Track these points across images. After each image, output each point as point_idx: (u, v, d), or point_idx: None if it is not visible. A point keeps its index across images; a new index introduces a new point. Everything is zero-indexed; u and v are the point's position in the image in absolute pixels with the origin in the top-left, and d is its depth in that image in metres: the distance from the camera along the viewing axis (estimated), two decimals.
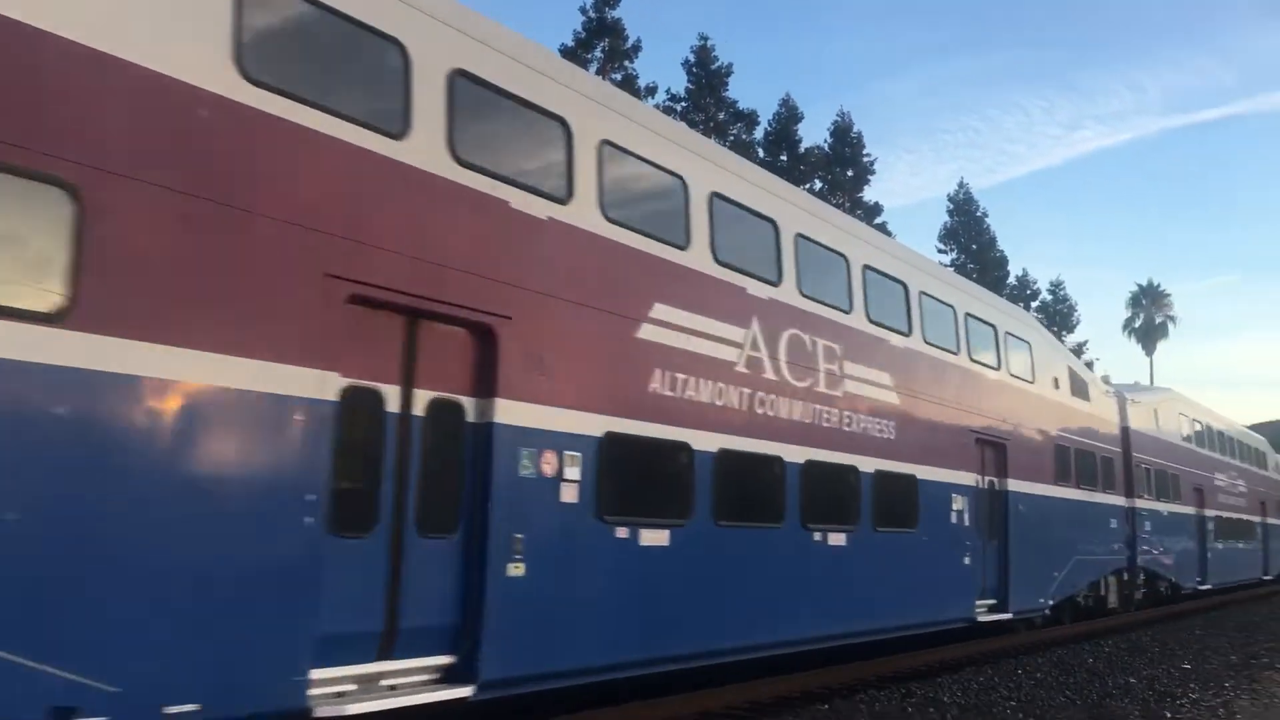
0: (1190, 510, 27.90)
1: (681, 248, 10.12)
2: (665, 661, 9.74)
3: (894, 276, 14.15)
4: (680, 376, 9.80)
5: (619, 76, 44.93)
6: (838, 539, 12.02)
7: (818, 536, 11.72)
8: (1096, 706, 11.61)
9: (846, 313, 12.80)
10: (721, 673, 11.42)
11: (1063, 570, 18.65)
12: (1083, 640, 17.85)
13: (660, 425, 9.50)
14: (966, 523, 14.97)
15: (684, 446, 9.75)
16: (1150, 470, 24.47)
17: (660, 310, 9.65)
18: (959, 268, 65.14)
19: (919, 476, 13.85)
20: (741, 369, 10.60)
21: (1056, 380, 19.44)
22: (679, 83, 52.19)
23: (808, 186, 53.24)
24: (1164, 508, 25.32)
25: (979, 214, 66.43)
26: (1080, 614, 20.63)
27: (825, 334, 12.21)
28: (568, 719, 8.86)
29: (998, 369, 16.77)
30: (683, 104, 49.09)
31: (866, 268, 13.38)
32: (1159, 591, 25.55)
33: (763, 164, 51.83)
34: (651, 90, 46.38)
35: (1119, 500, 22.02)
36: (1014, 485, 16.64)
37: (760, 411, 10.85)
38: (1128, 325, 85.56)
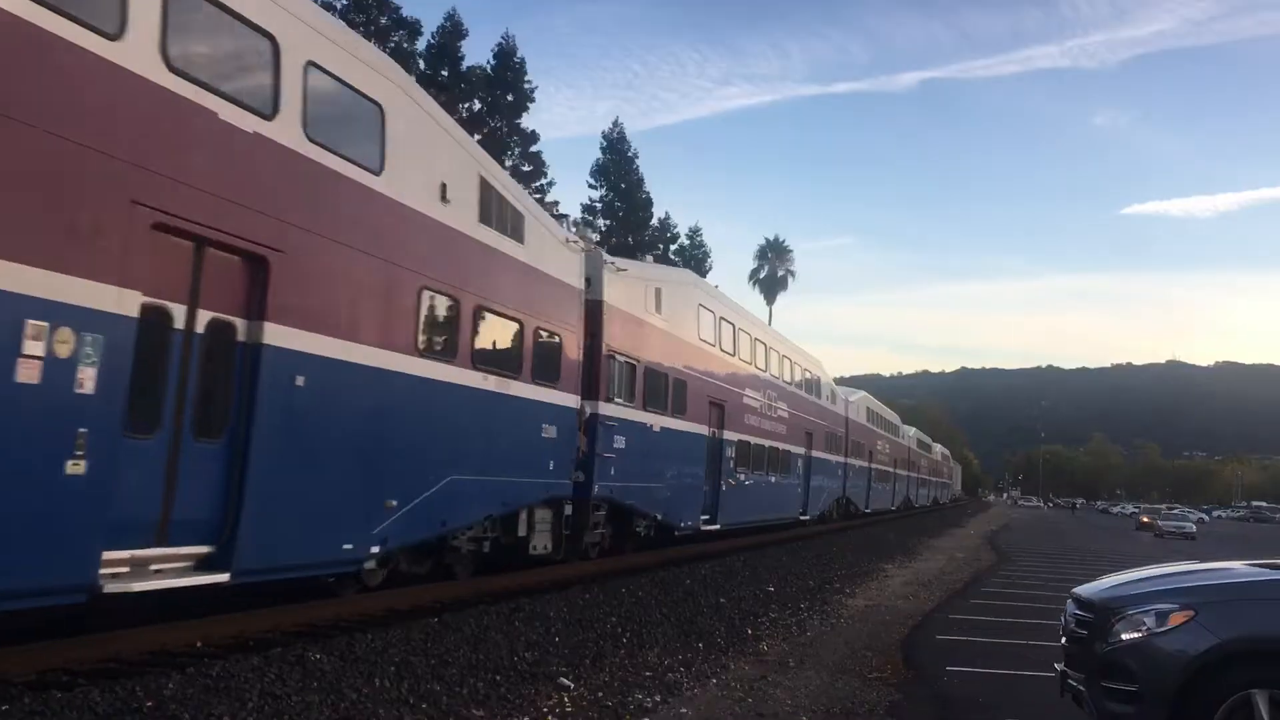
0: (701, 430, 22.73)
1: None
2: None
3: None
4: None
5: None
6: None
7: None
8: (688, 623, 12.45)
9: None
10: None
11: (414, 497, 11.79)
12: (675, 565, 19.05)
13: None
14: (86, 389, 7.45)
15: None
16: (635, 367, 18.93)
17: None
18: (607, 205, 67.02)
19: None
20: None
21: (445, 188, 12.38)
22: None
23: (467, 107, 52.55)
24: (655, 421, 19.84)
25: (630, 154, 68.53)
26: (482, 564, 14.51)
27: None
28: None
29: (269, 116, 9.44)
30: (343, 3, 46.73)
31: None
32: (635, 532, 19.86)
33: (422, 77, 50.83)
34: None
35: (567, 400, 15.92)
36: (284, 336, 9.59)
37: None
38: (753, 276, 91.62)
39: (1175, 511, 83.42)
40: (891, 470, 59.18)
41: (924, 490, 79.58)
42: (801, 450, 32.94)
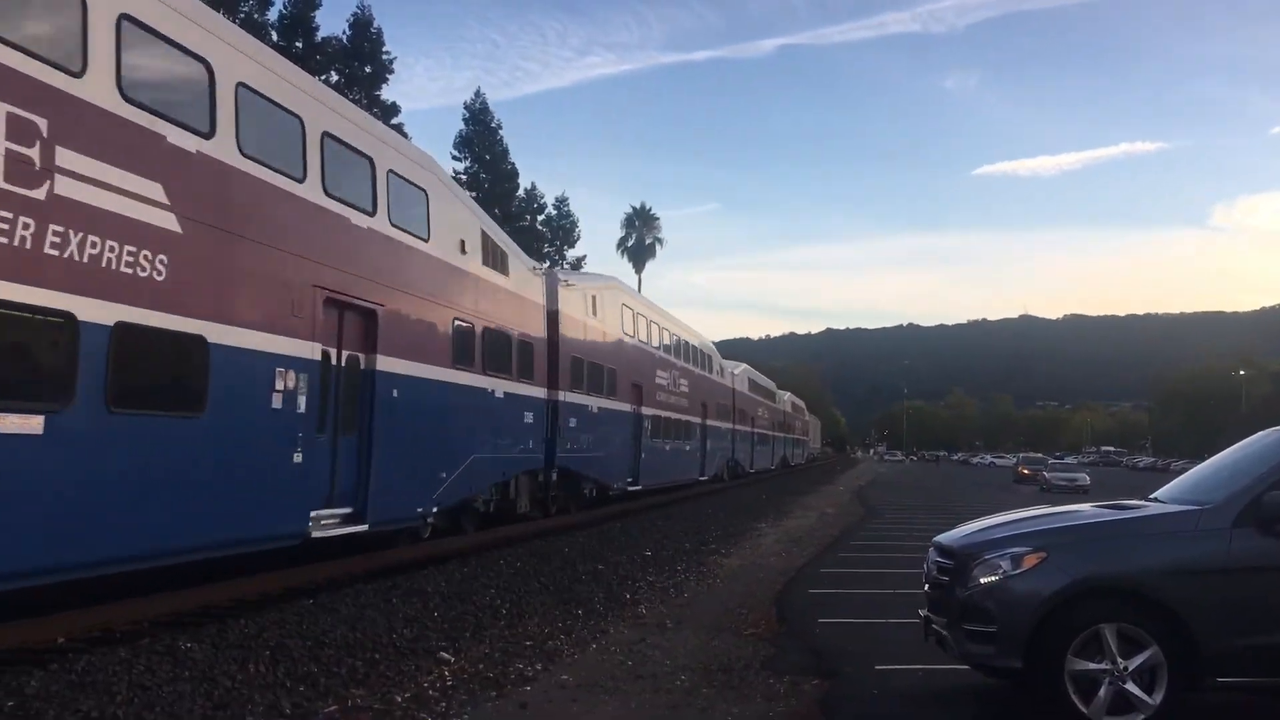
0: (626, 408, 27.37)
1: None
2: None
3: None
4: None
5: None
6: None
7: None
8: (567, 590, 12.54)
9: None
10: (202, 574, 10.92)
11: (454, 471, 15.91)
12: (552, 534, 19.15)
13: None
14: (301, 409, 11.52)
15: None
16: (582, 362, 23.41)
17: None
18: (472, 177, 66.15)
19: (211, 340, 10.03)
20: None
21: (464, 244, 16.49)
22: None
23: (324, 78, 51.11)
24: (595, 403, 24.27)
25: (494, 125, 67.81)
26: (485, 520, 18.41)
27: None
28: None
29: (371, 213, 13.41)
30: None
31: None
32: (582, 493, 24.29)
33: (276, 48, 49.21)
34: None
35: (539, 392, 20.33)
36: (387, 364, 13.59)
37: None
38: (621, 244, 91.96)
39: (1066, 461, 74.22)
40: (771, 434, 64.30)
41: (798, 450, 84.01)
42: (699, 420, 37.77)
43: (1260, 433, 8.23)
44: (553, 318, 21.34)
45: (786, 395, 75.53)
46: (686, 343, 36.48)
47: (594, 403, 24.10)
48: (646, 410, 29.26)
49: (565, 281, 22.57)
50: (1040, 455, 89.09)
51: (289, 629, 9.19)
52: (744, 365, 55.42)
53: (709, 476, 39.93)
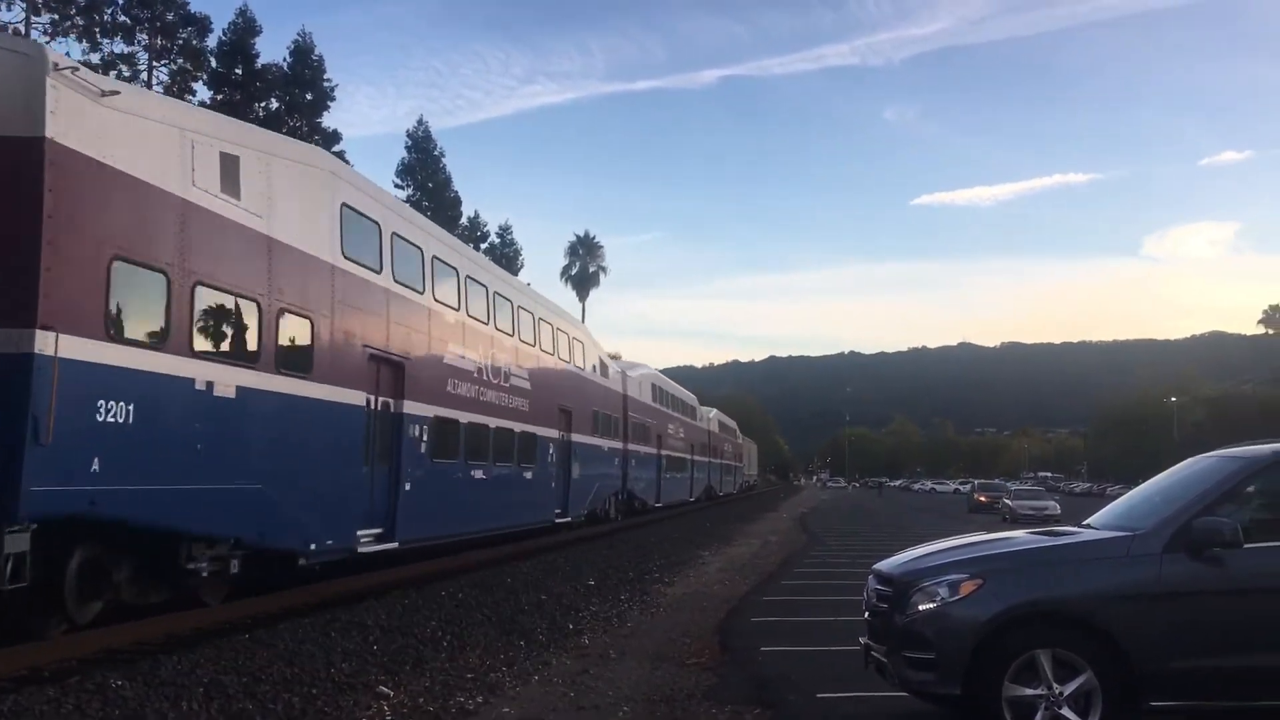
0: (654, 451, 39.50)
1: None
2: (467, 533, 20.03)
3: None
4: None
5: None
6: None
7: None
8: (509, 622, 12.44)
9: None
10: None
11: (592, 492, 29.95)
12: (503, 563, 19.01)
13: None
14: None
15: None
16: (636, 423, 36.00)
17: None
18: (415, 204, 65.80)
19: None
20: None
21: (596, 367, 30.02)
22: None
23: (264, 105, 50.74)
24: (642, 449, 36.99)
25: (436, 153, 67.72)
26: (594, 519, 30.92)
27: None
28: None
29: (568, 361, 27.45)
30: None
31: None
32: (635, 507, 36.77)
33: (215, 75, 48.76)
34: None
35: (619, 445, 33.55)
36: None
37: None
38: (565, 272, 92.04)
39: (1033, 488, 62.80)
40: (688, 457, 50.41)
41: (729, 477, 73.04)
42: (689, 456, 38.80)
43: (1190, 459, 8.41)
44: (624, 399, 36.90)
45: (713, 412, 63.77)
46: (682, 400, 35.82)
47: (642, 449, 38.72)
48: (664, 452, 29.06)
49: (628, 374, 38.50)
50: (999, 480, 79.89)
51: (224, 665, 9.00)
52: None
53: (694, 498, 40.22)
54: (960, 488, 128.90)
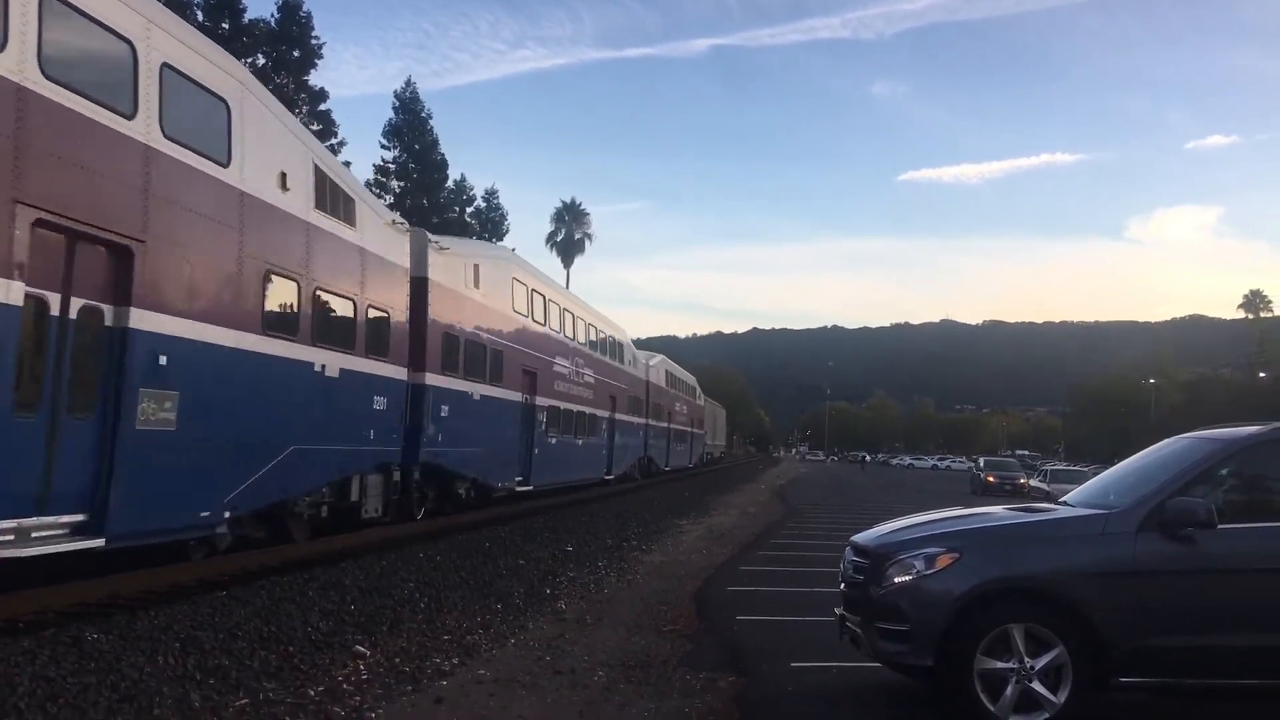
0: (515, 396, 24.18)
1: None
2: None
3: None
4: None
5: None
6: None
7: None
8: (487, 585, 12.48)
9: None
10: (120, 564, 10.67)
11: (261, 469, 12.71)
12: (480, 527, 19.05)
13: None
14: None
15: None
16: (458, 340, 20.27)
17: None
18: (401, 166, 65.46)
19: None
20: None
21: (285, 176, 13.13)
22: None
23: (250, 61, 50.16)
24: (474, 389, 21.12)
25: (424, 114, 67.18)
26: (317, 529, 15.35)
27: None
28: None
29: (130, 116, 10.10)
30: None
31: None
32: (455, 494, 21.09)
33: (201, 29, 48.07)
34: None
35: (396, 372, 17.14)
36: (141, 319, 10.14)
37: None
38: (550, 239, 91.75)
39: (1074, 468, 49.43)
40: (689, 430, 60.25)
41: (680, 445, 65.24)
42: (605, 413, 35.83)
43: (1166, 440, 8.48)
44: (420, 284, 18.35)
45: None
46: (593, 326, 33.86)
47: (473, 389, 21.11)
48: (541, 400, 26.39)
49: (439, 245, 19.40)
50: (1012, 458, 71.28)
51: (201, 621, 9.02)
52: (660, 356, 49.73)
53: (616, 475, 37.19)
54: (937, 464, 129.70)
